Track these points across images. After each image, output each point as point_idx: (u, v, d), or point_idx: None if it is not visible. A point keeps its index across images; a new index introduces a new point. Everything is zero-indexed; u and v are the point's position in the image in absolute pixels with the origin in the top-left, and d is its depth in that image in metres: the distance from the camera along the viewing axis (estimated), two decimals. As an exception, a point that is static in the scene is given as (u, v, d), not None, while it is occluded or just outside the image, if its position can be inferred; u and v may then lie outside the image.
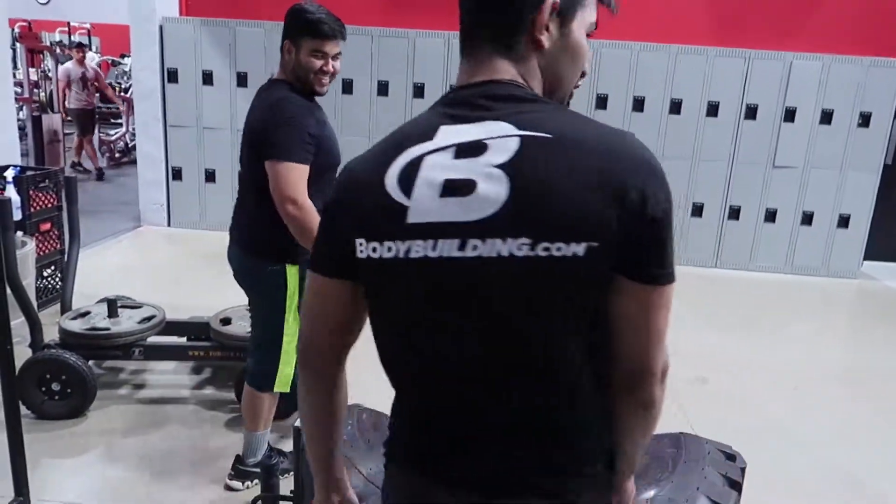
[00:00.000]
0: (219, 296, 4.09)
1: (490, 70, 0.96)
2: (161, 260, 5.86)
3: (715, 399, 3.69)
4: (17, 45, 9.66)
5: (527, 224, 0.87)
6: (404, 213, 0.91)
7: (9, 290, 2.50)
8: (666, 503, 1.65)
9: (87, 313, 3.38)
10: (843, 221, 6.22)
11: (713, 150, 6.12)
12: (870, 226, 6.22)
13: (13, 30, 9.44)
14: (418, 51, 6.04)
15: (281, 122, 2.26)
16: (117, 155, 9.69)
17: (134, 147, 8.17)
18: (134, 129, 7.71)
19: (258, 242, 2.41)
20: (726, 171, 6.17)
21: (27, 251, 3.94)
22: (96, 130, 9.16)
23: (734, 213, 6.25)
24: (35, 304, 3.58)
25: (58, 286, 4.40)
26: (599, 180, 0.86)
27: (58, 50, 10.45)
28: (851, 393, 3.91)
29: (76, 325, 3.24)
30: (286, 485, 2.34)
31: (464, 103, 0.95)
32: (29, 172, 4.37)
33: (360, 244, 0.95)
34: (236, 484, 2.60)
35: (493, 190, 0.88)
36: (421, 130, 0.95)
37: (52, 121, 8.29)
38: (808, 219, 6.23)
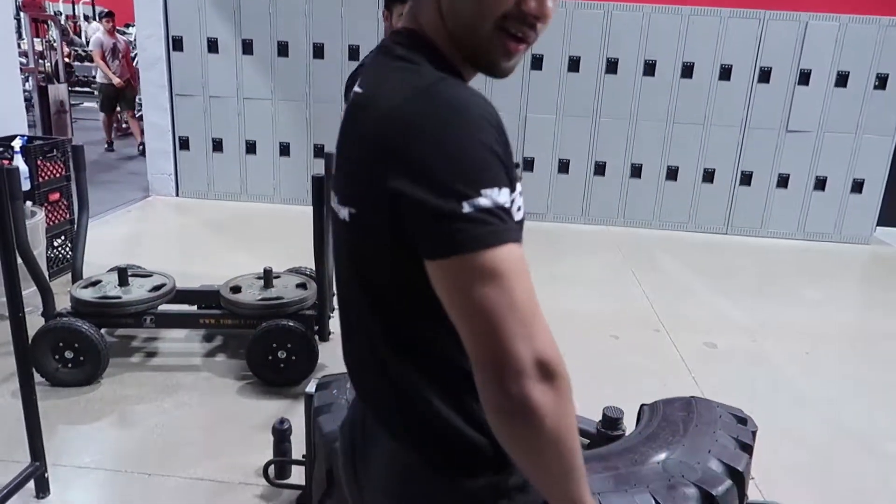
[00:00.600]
0: (228, 264, 4.10)
1: (406, 18, 0.94)
2: (170, 229, 5.87)
3: (725, 364, 3.69)
4: (21, 14, 9.57)
5: (337, 182, 0.91)
6: None
7: (20, 260, 2.51)
8: (678, 466, 1.65)
9: (97, 282, 3.39)
10: (857, 186, 6.15)
11: (725, 114, 6.03)
12: (883, 191, 6.14)
13: (16, -1, 9.35)
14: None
15: None
16: (124, 125, 9.66)
17: (141, 117, 8.12)
18: (140, 99, 7.67)
19: None
20: (738, 136, 6.08)
21: (37, 221, 3.94)
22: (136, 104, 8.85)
23: (746, 179, 6.18)
24: (46, 273, 3.60)
25: (68, 256, 4.41)
26: (374, 145, 0.81)
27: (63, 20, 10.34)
28: (862, 357, 3.90)
29: (87, 294, 3.25)
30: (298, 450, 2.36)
31: (370, 57, 1.01)
32: (37, 142, 4.36)
33: None
34: None
35: (339, 146, 0.91)
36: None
37: (58, 91, 8.24)
38: (821, 184, 6.15)
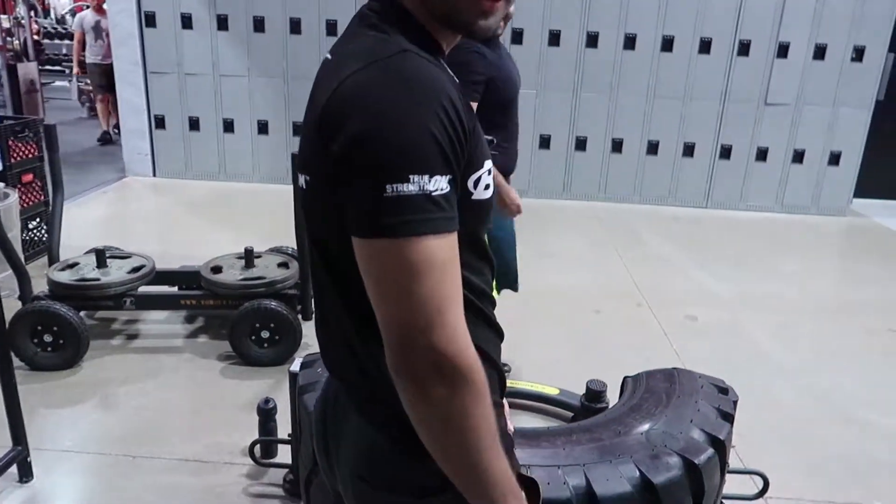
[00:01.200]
0: (208, 245, 4.06)
1: None
2: (148, 210, 5.79)
3: (705, 336, 3.74)
4: (-14, -10, 9.30)
5: (300, 151, 0.91)
6: None
7: (-7, 242, 2.47)
8: (661, 436, 1.68)
9: (75, 264, 3.34)
10: (834, 159, 6.21)
11: (705, 88, 6.04)
12: (860, 163, 6.21)
13: (-19, -26, 9.07)
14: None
15: None
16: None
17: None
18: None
19: None
20: (718, 110, 6.10)
21: (10, 203, 3.86)
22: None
23: (725, 153, 6.21)
24: (22, 256, 3.53)
25: (44, 239, 4.34)
26: (322, 111, 0.81)
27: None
28: (839, 327, 3.97)
29: (65, 277, 3.21)
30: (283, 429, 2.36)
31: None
32: (7, 122, 4.26)
33: None
34: None
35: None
36: None
37: (27, 69, 8.04)
38: (799, 157, 6.20)
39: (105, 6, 6.80)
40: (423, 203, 0.74)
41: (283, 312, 3.11)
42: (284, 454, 2.38)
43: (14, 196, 3.97)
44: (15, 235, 3.83)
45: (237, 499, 2.32)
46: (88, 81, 8.32)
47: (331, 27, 5.90)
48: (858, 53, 5.90)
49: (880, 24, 5.82)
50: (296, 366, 2.04)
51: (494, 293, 1.01)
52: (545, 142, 6.20)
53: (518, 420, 2.43)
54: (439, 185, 0.75)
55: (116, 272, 3.28)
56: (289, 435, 2.26)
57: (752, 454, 2.61)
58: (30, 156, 4.32)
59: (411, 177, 0.73)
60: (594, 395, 2.59)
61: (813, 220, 6.20)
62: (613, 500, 1.52)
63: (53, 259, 3.52)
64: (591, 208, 6.16)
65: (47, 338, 3.01)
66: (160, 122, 6.33)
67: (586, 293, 4.19)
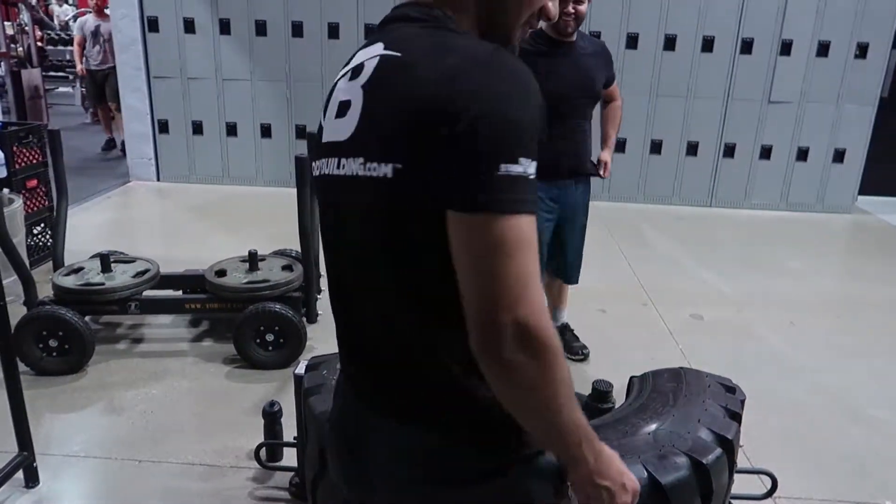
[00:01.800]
0: (212, 248, 4.06)
1: None
2: (152, 214, 5.80)
3: (712, 334, 3.72)
4: (-10, -3, 9.33)
5: (364, 143, 0.88)
6: (321, 134, 0.97)
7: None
8: (668, 436, 1.66)
9: (80, 269, 3.34)
10: (839, 156, 6.19)
11: (708, 87, 6.02)
12: (865, 160, 6.19)
13: (-16, -18, 9.10)
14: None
15: None
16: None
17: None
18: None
19: None
20: (721, 108, 6.09)
21: (15, 208, 3.87)
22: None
23: (729, 151, 6.20)
24: (27, 261, 3.54)
25: (48, 244, 4.35)
26: (430, 99, 0.81)
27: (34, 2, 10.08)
28: (846, 325, 3.95)
29: (70, 281, 3.21)
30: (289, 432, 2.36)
31: (381, 25, 0.96)
32: (11, 128, 4.27)
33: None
34: None
35: (356, 110, 0.90)
36: (352, 54, 0.98)
37: (31, 76, 8.07)
38: (803, 154, 6.18)
39: (107, 11, 6.78)
40: (524, 184, 0.79)
41: (287, 315, 3.11)
42: (290, 457, 2.37)
43: (19, 201, 3.98)
44: (20, 241, 3.84)
45: (243, 502, 2.31)
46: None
47: (332, 30, 5.91)
48: (862, 50, 5.87)
49: (884, 21, 5.79)
50: (301, 368, 2.04)
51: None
52: (548, 142, 6.18)
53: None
54: (533, 169, 0.81)
55: (121, 276, 3.28)
56: (294, 438, 2.25)
57: (760, 453, 2.59)
58: (34, 161, 4.33)
59: (521, 159, 0.79)
60: (600, 395, 2.56)
61: (818, 217, 6.17)
62: (621, 501, 1.51)
63: (58, 264, 3.52)
64: (594, 208, 6.10)
65: (53, 343, 3.01)
66: (164, 127, 6.34)
67: (591, 292, 4.17)
